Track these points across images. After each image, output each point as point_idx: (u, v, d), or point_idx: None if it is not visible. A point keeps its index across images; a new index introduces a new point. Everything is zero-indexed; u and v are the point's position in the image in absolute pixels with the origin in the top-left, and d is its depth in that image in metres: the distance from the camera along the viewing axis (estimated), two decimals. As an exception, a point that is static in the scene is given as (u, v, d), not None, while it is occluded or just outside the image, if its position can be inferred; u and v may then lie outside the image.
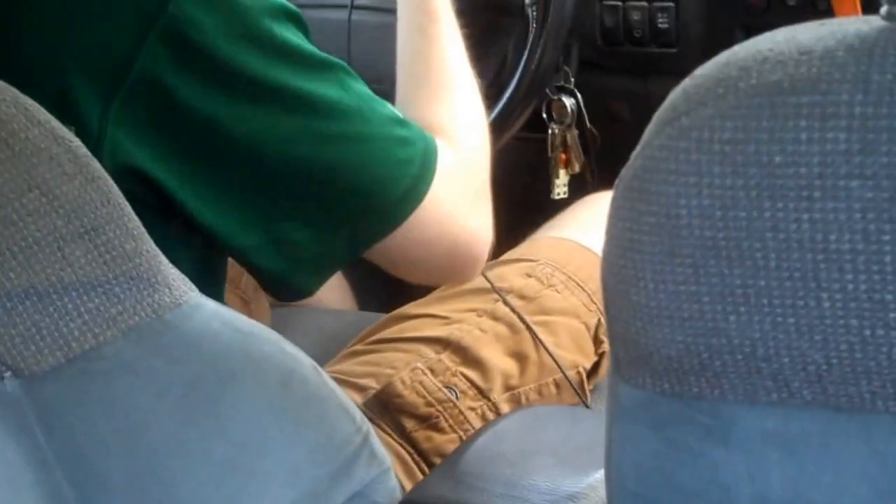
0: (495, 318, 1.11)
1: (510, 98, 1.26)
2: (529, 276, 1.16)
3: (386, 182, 0.84)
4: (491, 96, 1.29)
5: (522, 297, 1.13)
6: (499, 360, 1.08)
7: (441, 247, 0.90)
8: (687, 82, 0.53)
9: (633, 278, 0.53)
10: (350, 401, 0.76)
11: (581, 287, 1.16)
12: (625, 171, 0.53)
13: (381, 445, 0.78)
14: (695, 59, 1.64)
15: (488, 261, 1.21)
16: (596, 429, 0.85)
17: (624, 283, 0.53)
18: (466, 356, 1.06)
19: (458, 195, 0.89)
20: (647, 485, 0.57)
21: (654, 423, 0.55)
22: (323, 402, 0.73)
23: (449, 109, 0.95)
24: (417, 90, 0.96)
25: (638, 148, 0.53)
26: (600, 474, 0.76)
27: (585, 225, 1.26)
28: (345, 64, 0.85)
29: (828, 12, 1.41)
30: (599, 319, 1.15)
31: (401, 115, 0.88)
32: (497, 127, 1.28)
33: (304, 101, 0.81)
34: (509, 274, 1.17)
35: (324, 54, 0.84)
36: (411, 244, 0.87)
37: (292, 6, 0.84)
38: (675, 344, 0.52)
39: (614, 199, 0.54)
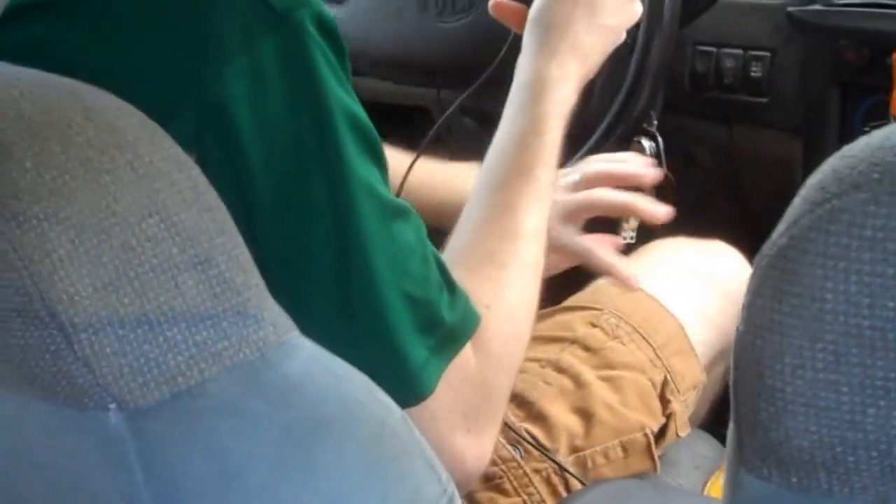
0: (560, 369, 1.12)
1: (599, 141, 1.28)
2: (594, 325, 1.17)
3: (393, 349, 0.79)
4: (575, 136, 1.31)
5: (587, 348, 1.15)
6: (564, 417, 1.09)
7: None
8: (836, 162, 0.55)
9: (770, 360, 0.54)
10: (436, 458, 0.76)
11: (646, 340, 1.17)
12: (767, 248, 0.55)
13: None
14: (784, 111, 1.66)
15: (549, 306, 1.23)
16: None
17: (759, 365, 0.54)
18: (531, 411, 1.07)
19: (459, 400, 0.83)
20: None
21: None
22: (412, 457, 0.74)
23: (491, 292, 0.89)
24: (469, 251, 0.91)
25: (782, 225, 0.55)
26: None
27: (652, 273, 1.27)
28: (396, 201, 0.81)
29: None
30: (666, 377, 1.16)
31: (448, 277, 0.83)
32: None
33: (327, 220, 0.77)
34: (573, 322, 1.18)
35: (376, 180, 0.80)
36: None
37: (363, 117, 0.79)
38: (809, 434, 0.53)
39: (755, 276, 0.55)
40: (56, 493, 0.70)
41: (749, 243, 1.42)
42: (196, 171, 0.64)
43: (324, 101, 0.76)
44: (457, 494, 0.78)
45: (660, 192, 1.42)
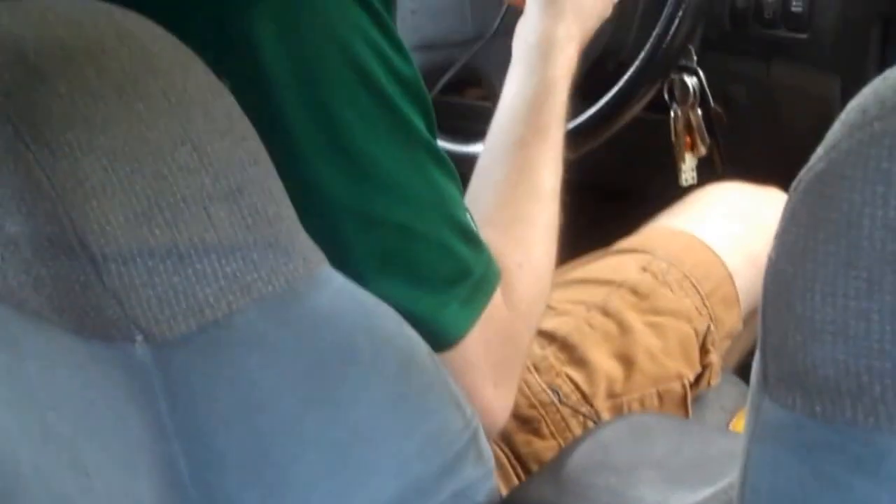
0: (605, 313, 1.14)
1: (637, 73, 1.29)
2: (645, 270, 1.19)
3: (420, 296, 0.81)
4: (612, 70, 1.33)
5: (635, 293, 1.17)
6: (604, 362, 1.11)
7: None
8: (878, 85, 0.55)
9: (801, 288, 0.54)
10: (461, 394, 0.79)
11: (695, 288, 1.19)
12: (804, 174, 0.55)
13: (487, 444, 0.81)
14: (825, 47, 1.66)
15: (599, 248, 1.25)
16: (704, 443, 0.90)
17: (789, 293, 0.55)
18: (572, 355, 1.09)
19: (489, 352, 0.86)
20: None
21: (799, 448, 0.57)
22: (438, 392, 0.76)
23: (522, 252, 0.93)
24: (497, 211, 0.94)
25: (820, 150, 0.55)
26: (708, 493, 0.81)
27: (705, 217, 1.28)
28: (436, 148, 0.83)
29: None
30: (709, 326, 1.18)
31: (474, 230, 0.86)
32: (617, 105, 1.31)
33: (363, 162, 0.79)
34: (623, 266, 1.19)
35: (417, 125, 0.81)
36: None
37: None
38: (836, 363, 0.54)
39: (790, 202, 0.56)
40: (84, 425, 0.72)
41: (785, 181, 1.43)
42: (230, 99, 0.65)
43: (357, 44, 0.77)
44: (481, 430, 0.81)
45: (709, 126, 1.43)
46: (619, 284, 1.17)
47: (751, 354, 1.37)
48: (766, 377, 0.59)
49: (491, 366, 0.87)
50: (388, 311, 0.74)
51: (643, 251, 1.21)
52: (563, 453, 0.87)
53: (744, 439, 0.62)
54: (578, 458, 0.85)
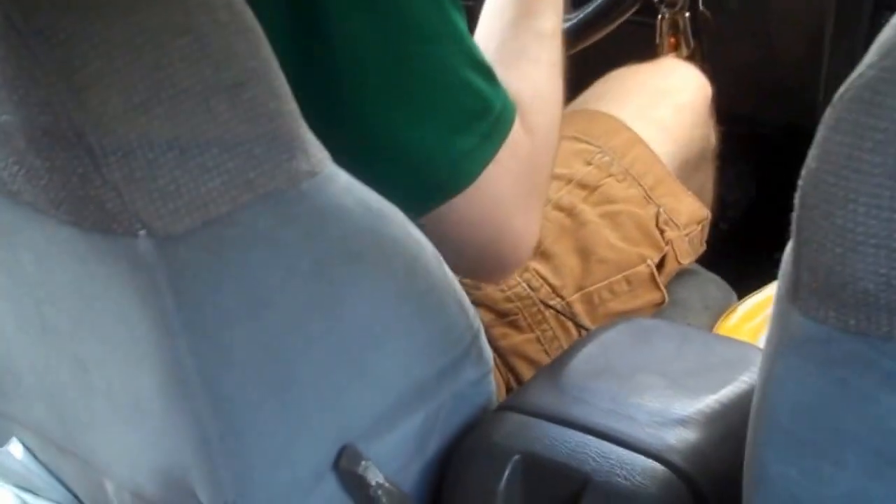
0: (559, 207, 1.13)
1: None
2: (589, 163, 1.17)
3: (446, 131, 0.81)
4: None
5: (584, 186, 1.15)
6: (567, 256, 1.10)
7: (478, 238, 0.85)
8: None
9: (843, 199, 0.51)
10: (465, 294, 0.77)
11: (637, 182, 1.18)
12: (852, 81, 0.52)
13: (487, 345, 0.79)
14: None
15: None
16: (704, 350, 0.87)
17: (830, 203, 0.52)
18: (538, 249, 1.07)
19: (516, 183, 0.86)
20: (804, 424, 0.57)
21: (826, 361, 0.55)
22: (442, 293, 0.74)
23: (531, 84, 0.91)
24: (501, 53, 0.93)
25: (871, 56, 0.51)
26: (711, 400, 0.78)
27: (610, 96, 1.27)
28: None
29: None
30: (658, 210, 1.17)
31: (490, 66, 0.84)
32: (608, 9, 1.27)
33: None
34: (568, 158, 1.17)
35: None
36: (447, 226, 0.82)
37: None
38: (876, 276, 0.51)
39: (834, 110, 0.52)
40: (83, 319, 0.70)
41: (768, 89, 1.40)
42: None
43: None
44: (482, 331, 0.79)
45: (695, 29, 1.39)
46: (567, 179, 1.16)
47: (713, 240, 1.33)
48: (797, 289, 0.55)
49: (517, 195, 0.86)
50: (394, 210, 0.71)
51: (584, 140, 1.19)
52: (563, 357, 0.84)
53: (766, 351, 0.58)
54: (578, 362, 0.82)
